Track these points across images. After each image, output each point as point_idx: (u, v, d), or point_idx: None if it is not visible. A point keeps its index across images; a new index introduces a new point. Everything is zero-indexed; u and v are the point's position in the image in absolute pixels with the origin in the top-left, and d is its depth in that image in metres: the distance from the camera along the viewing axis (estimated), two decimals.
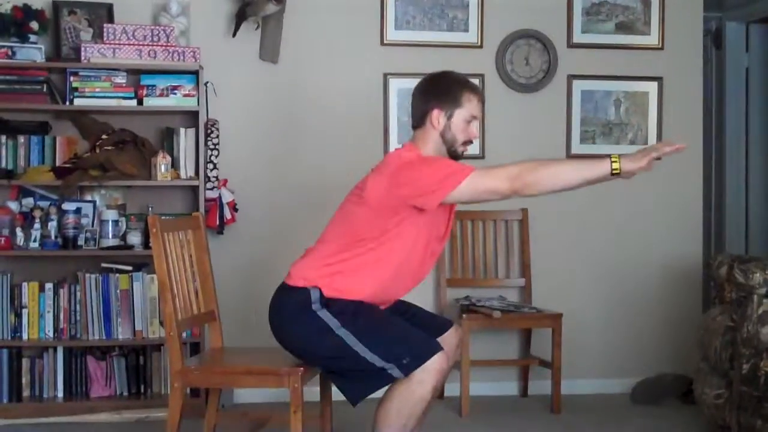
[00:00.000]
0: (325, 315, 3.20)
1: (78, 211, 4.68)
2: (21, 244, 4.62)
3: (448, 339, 3.42)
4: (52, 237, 4.62)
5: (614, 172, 3.08)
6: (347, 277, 3.24)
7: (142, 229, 4.70)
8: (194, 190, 4.81)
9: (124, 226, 4.75)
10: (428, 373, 3.09)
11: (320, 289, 3.23)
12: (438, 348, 3.13)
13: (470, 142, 3.38)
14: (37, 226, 4.61)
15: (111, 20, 4.79)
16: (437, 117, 3.31)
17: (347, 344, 3.16)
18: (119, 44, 4.64)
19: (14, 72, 4.62)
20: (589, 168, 3.13)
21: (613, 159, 3.08)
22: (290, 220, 4.99)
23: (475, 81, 5.08)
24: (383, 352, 3.12)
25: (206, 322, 3.74)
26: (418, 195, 3.15)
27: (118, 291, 4.70)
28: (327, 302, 3.22)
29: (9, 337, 4.63)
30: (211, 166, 4.73)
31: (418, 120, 3.36)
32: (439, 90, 3.34)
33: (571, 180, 3.14)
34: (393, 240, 3.23)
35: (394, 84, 5.07)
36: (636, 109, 5.28)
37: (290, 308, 3.27)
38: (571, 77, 5.22)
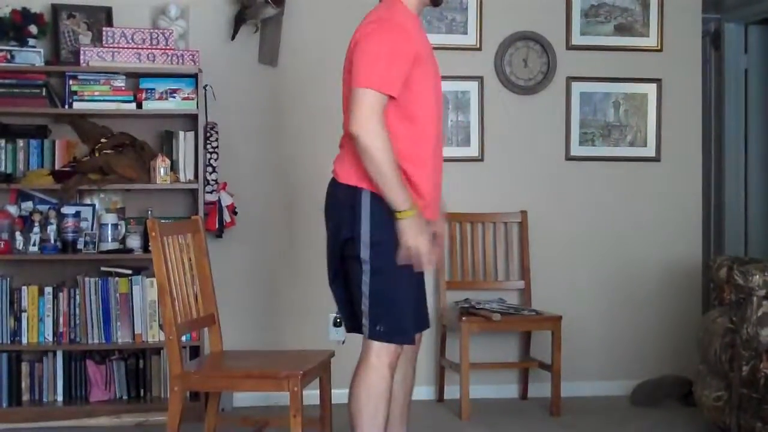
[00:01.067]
0: (365, 232, 3.11)
1: (77, 214, 4.68)
2: (20, 248, 4.62)
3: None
4: (52, 241, 4.62)
5: (398, 214, 3.03)
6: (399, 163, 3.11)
7: (142, 233, 4.69)
8: (193, 193, 4.81)
9: (124, 230, 4.75)
10: (386, 351, 3.10)
11: (372, 193, 3.11)
12: (408, 341, 3.16)
13: None
14: (36, 229, 4.61)
15: (110, 24, 4.79)
16: None
17: (362, 277, 3.12)
18: (118, 48, 4.64)
19: (13, 76, 4.62)
20: (393, 190, 3.03)
21: (407, 211, 3.03)
22: (289, 224, 4.99)
23: (474, 83, 5.13)
24: (375, 305, 3.11)
25: (206, 326, 3.73)
26: (356, 73, 3.06)
27: (118, 295, 4.69)
28: (377, 210, 3.10)
29: (8, 341, 4.62)
30: (210, 169, 4.73)
31: None
32: None
33: (377, 181, 3.04)
34: (403, 116, 3.12)
35: None
36: (635, 110, 5.28)
37: (345, 201, 3.17)
38: (570, 79, 5.22)
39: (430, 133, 3.20)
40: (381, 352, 3.12)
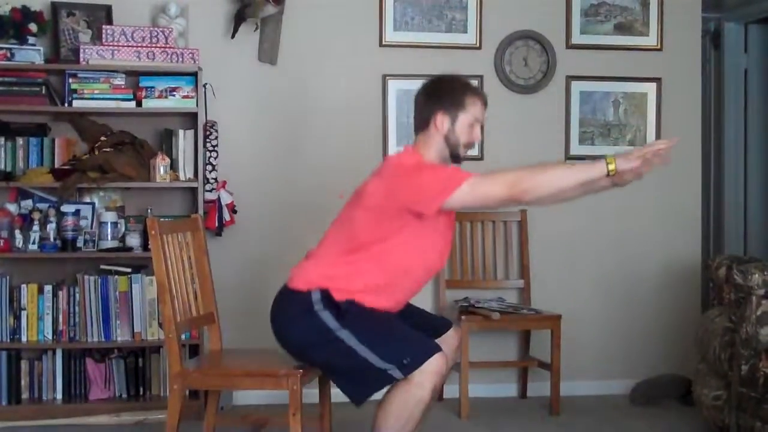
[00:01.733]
0: (326, 316, 3.20)
1: (77, 213, 4.68)
2: (20, 246, 4.62)
3: (448, 340, 3.42)
4: (51, 239, 4.62)
5: (610, 172, 3.09)
6: (351, 281, 3.24)
7: (141, 231, 4.69)
8: (193, 191, 4.81)
9: (123, 228, 4.75)
10: (427, 374, 3.09)
11: (322, 291, 3.23)
12: (437, 349, 3.13)
13: (472, 144, 3.38)
14: (35, 228, 4.61)
15: (110, 22, 4.78)
16: (441, 121, 3.30)
17: (348, 345, 3.16)
18: (118, 46, 4.64)
19: (13, 74, 4.61)
20: (584, 170, 3.16)
21: (608, 160, 3.10)
22: (289, 222, 4.99)
23: (474, 82, 5.09)
24: (384, 353, 3.12)
25: (205, 324, 3.74)
26: (417, 200, 3.16)
27: (117, 293, 4.69)
28: (330, 303, 3.21)
29: (8, 340, 4.62)
30: (210, 167, 4.73)
31: (422, 123, 3.36)
32: (443, 93, 3.34)
33: (568, 183, 3.16)
34: (396, 247, 3.23)
35: (393, 85, 5.07)
36: (635, 110, 5.28)
37: (292, 311, 3.27)
38: (570, 78, 5.22)
39: (396, 268, 3.26)
40: (421, 379, 3.09)
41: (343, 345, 3.16)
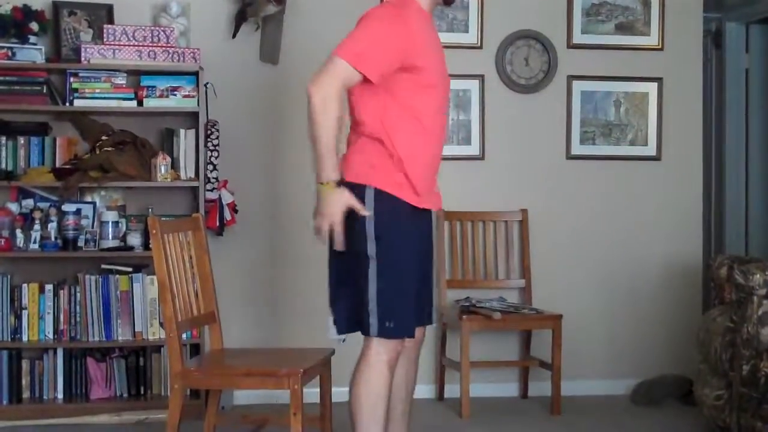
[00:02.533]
0: (370, 229, 3.12)
1: (78, 212, 4.68)
2: (21, 245, 4.62)
3: (416, 333, 3.36)
4: (52, 238, 4.62)
5: (317, 186, 3.09)
6: (393, 160, 3.14)
7: (142, 231, 4.69)
8: (194, 191, 4.81)
9: (124, 228, 4.75)
10: (385, 348, 3.12)
11: (375, 190, 3.13)
12: (411, 335, 3.17)
13: None
14: (37, 227, 4.61)
15: (111, 21, 4.79)
16: None
17: (368, 267, 3.12)
18: (119, 45, 4.64)
19: (14, 73, 4.62)
20: (321, 159, 3.08)
21: (326, 186, 3.08)
22: (290, 221, 4.99)
23: (475, 82, 5.13)
24: (383, 302, 3.11)
25: (206, 324, 3.74)
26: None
27: (118, 292, 4.69)
28: (380, 208, 3.12)
29: (9, 339, 4.63)
30: (211, 167, 4.73)
31: None
32: None
33: (312, 143, 3.09)
34: (406, 109, 3.14)
35: None
36: (636, 109, 5.28)
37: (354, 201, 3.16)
38: (571, 78, 5.22)
39: (428, 128, 3.19)
40: (380, 349, 3.13)
41: (364, 263, 3.12)
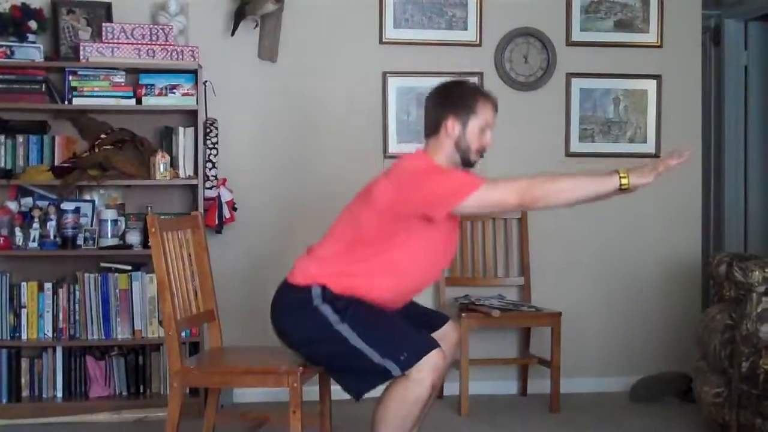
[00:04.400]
0: (325, 310, 3.20)
1: (77, 210, 4.67)
2: (20, 243, 4.62)
3: (447, 336, 3.42)
4: (51, 237, 4.62)
5: (623, 186, 3.10)
6: (353, 279, 3.24)
7: (141, 229, 4.69)
8: (193, 189, 4.81)
9: (123, 226, 4.75)
10: (425, 371, 3.09)
11: (323, 287, 3.23)
12: (434, 345, 3.14)
13: (483, 150, 3.37)
14: (36, 225, 4.61)
15: (110, 19, 4.78)
16: (452, 125, 3.29)
17: (346, 338, 3.16)
18: (118, 43, 4.64)
19: (13, 71, 4.61)
20: (597, 183, 3.14)
21: (621, 174, 3.10)
22: (289, 219, 4.99)
23: (474, 79, 5.11)
24: (382, 348, 3.12)
25: (205, 322, 3.74)
26: (428, 204, 3.16)
27: (117, 291, 4.69)
28: (329, 298, 3.22)
29: (8, 337, 4.63)
30: (210, 165, 4.73)
31: (432, 128, 3.34)
32: (453, 98, 3.33)
33: (579, 195, 3.16)
34: (399, 247, 3.23)
35: (393, 82, 5.07)
36: (635, 107, 5.28)
37: (291, 305, 3.27)
38: (570, 75, 5.21)
39: (398, 270, 3.27)
40: (419, 376, 3.09)
41: (341, 338, 3.17)
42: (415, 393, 3.10)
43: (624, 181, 3.10)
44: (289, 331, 3.30)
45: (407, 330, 3.21)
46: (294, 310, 3.26)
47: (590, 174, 3.21)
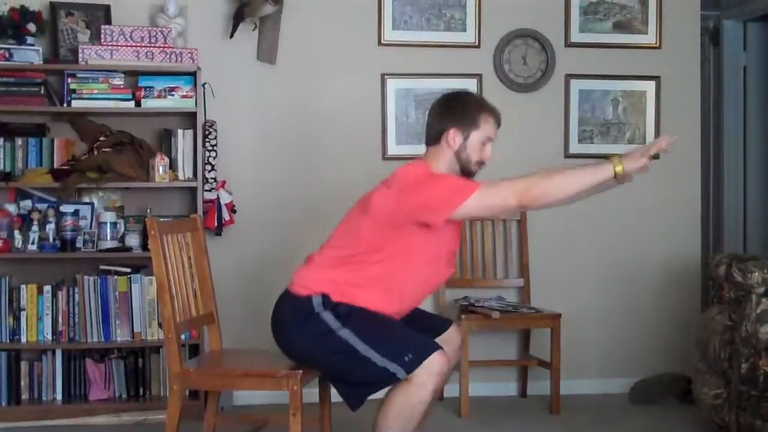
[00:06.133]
0: (327, 317, 3.21)
1: (76, 213, 4.67)
2: (19, 246, 4.62)
3: (449, 340, 3.42)
4: (50, 239, 4.61)
5: (617, 174, 3.12)
6: (353, 287, 3.24)
7: (141, 231, 4.69)
8: (192, 191, 4.81)
9: (123, 228, 4.75)
10: (428, 374, 3.09)
11: (323, 295, 3.24)
12: (437, 347, 3.14)
13: (483, 162, 3.37)
14: (35, 228, 4.60)
15: (108, 22, 4.78)
16: (453, 137, 3.30)
17: (349, 344, 3.16)
18: (117, 46, 4.64)
19: (11, 74, 4.61)
20: (591, 173, 3.17)
21: (614, 162, 3.11)
22: (288, 221, 4.99)
23: (473, 81, 5.12)
24: (385, 351, 3.12)
25: (205, 324, 3.73)
26: (426, 210, 3.16)
27: (117, 293, 4.69)
28: (330, 305, 3.22)
29: (7, 340, 4.62)
30: (209, 167, 4.73)
31: (433, 138, 3.35)
32: (457, 110, 3.34)
33: (575, 188, 3.17)
34: (399, 255, 3.23)
35: (392, 84, 5.07)
36: (634, 108, 5.28)
37: (293, 316, 3.27)
38: (569, 77, 5.22)
39: (398, 278, 3.27)
40: (422, 380, 3.09)
41: (344, 344, 3.17)
42: (417, 397, 3.10)
43: (618, 168, 3.12)
44: (291, 342, 3.30)
45: (410, 333, 3.21)
46: (296, 320, 3.26)
47: (585, 166, 3.24)
